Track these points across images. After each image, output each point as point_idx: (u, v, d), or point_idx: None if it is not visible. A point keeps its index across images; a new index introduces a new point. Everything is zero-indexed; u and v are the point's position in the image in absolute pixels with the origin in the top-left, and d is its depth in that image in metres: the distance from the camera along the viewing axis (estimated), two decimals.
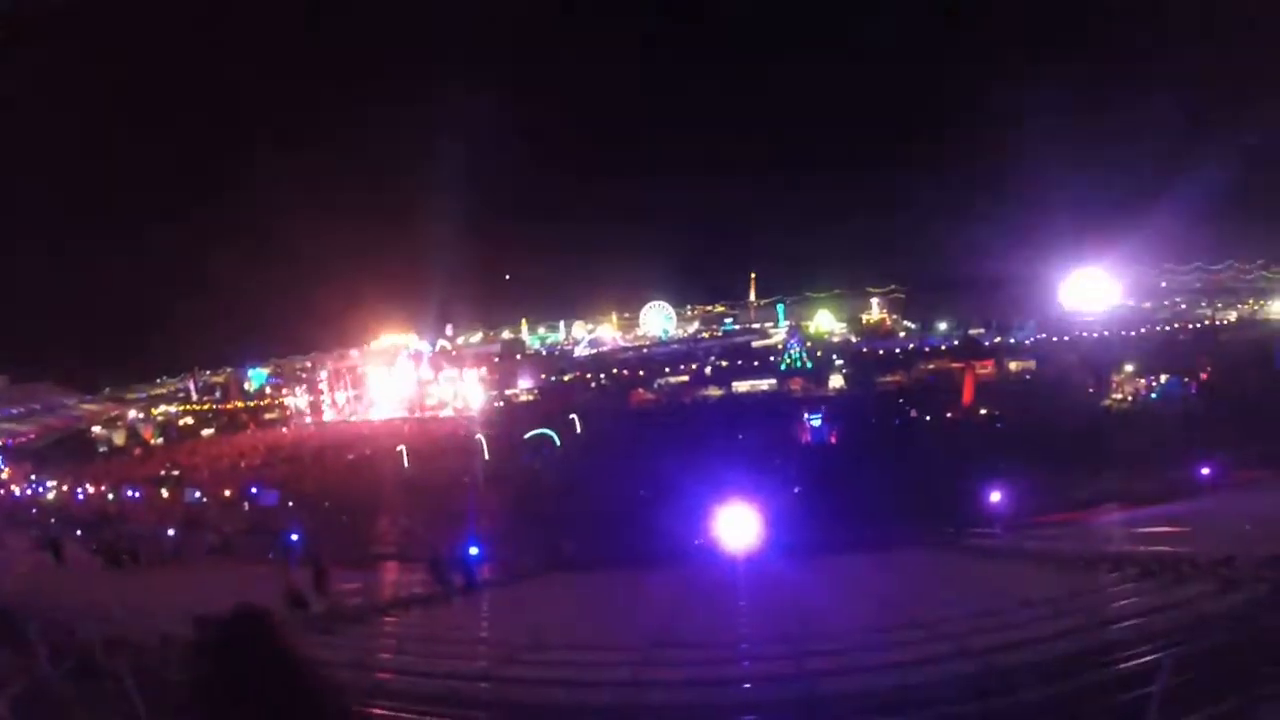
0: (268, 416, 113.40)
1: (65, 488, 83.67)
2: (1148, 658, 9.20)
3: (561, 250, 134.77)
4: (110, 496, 77.68)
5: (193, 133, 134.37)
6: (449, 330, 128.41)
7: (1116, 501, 37.80)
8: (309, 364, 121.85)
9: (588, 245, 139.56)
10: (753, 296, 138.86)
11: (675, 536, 38.79)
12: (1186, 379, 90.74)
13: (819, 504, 50.31)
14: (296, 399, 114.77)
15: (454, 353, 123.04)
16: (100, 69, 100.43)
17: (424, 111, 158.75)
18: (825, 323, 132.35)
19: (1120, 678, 8.78)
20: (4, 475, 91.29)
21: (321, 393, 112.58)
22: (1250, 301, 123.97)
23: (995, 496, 39.32)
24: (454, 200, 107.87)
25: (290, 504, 66.50)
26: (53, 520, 63.04)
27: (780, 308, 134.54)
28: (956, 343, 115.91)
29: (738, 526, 30.92)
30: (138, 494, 77.09)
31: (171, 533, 53.90)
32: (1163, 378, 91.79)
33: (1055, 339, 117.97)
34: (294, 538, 47.57)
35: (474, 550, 35.15)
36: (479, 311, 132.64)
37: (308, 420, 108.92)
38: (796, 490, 57.42)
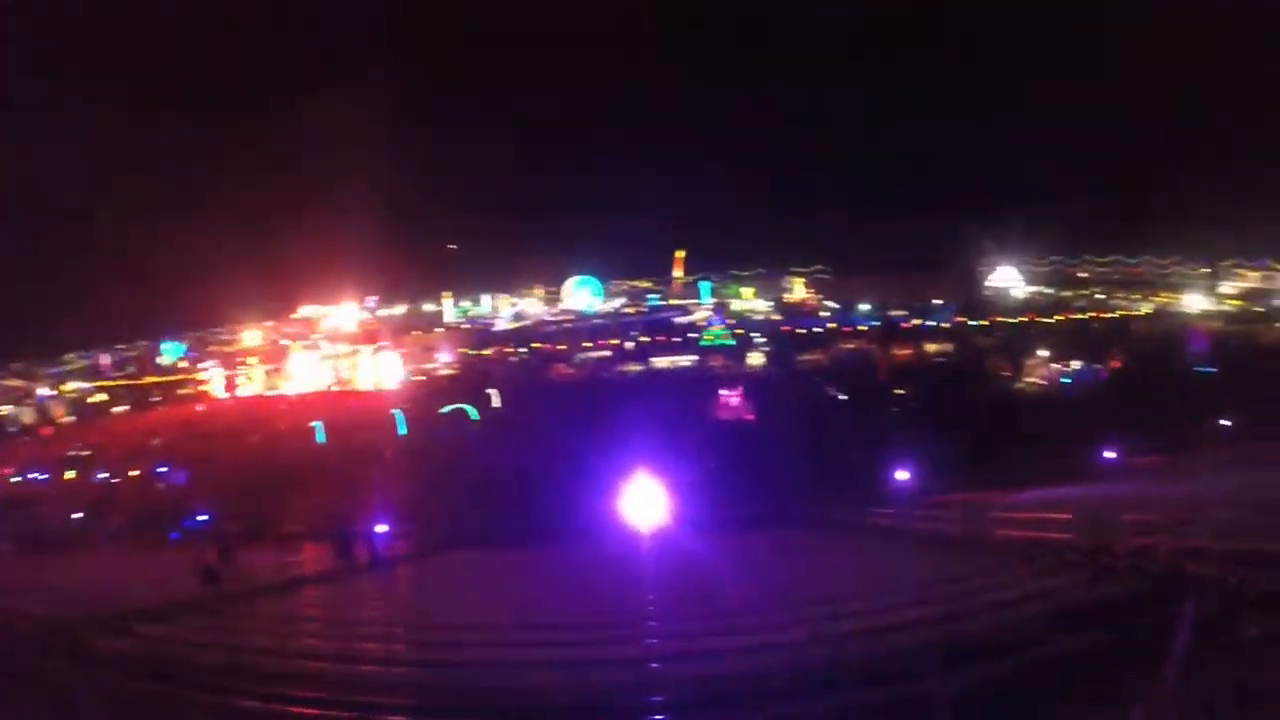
0: (182, 392, 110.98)
1: None
2: (987, 659, 9.33)
3: (487, 222, 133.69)
4: (19, 479, 76.04)
5: (104, 96, 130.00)
6: (371, 302, 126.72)
7: (1019, 483, 40.27)
8: (227, 337, 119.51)
9: (515, 218, 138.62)
10: (679, 274, 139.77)
11: (583, 513, 39.23)
12: (1098, 365, 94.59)
13: (727, 481, 51.57)
14: (213, 373, 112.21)
15: (376, 325, 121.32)
16: None
17: (344, 79, 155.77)
18: (749, 301, 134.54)
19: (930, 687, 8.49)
20: None
21: (239, 367, 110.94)
22: (1165, 294, 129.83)
23: (901, 475, 41.06)
24: (377, 170, 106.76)
25: (201, 482, 65.98)
26: None
27: (705, 285, 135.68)
28: (875, 324, 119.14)
29: (644, 503, 31.93)
30: (45, 475, 75.62)
31: (79, 515, 53.55)
32: (1075, 364, 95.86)
33: (973, 323, 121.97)
34: (202, 517, 47.85)
35: (382, 527, 36.06)
36: (402, 284, 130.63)
37: (223, 395, 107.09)
38: (706, 467, 58.59)
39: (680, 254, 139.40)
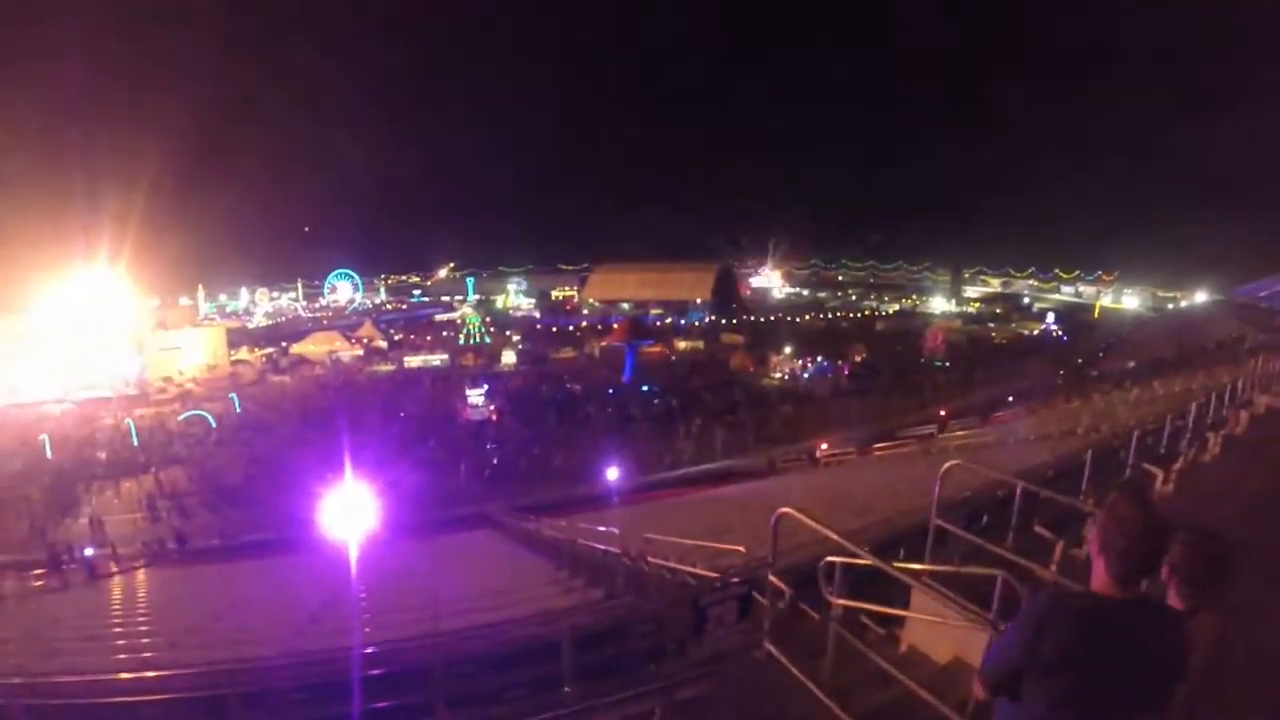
0: None
1: None
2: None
3: (248, 213, 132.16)
4: None
5: None
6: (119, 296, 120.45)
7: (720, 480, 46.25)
8: None
9: (279, 208, 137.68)
10: (443, 273, 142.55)
11: (294, 521, 38.29)
12: (840, 361, 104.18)
13: (444, 484, 54.34)
14: None
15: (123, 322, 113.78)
16: None
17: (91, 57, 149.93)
18: (514, 297, 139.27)
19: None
20: None
21: None
22: (914, 297, 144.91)
23: (611, 473, 45.18)
24: (135, 154, 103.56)
25: None
26: None
27: (470, 281, 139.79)
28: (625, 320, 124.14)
29: (348, 510, 35.24)
30: None
31: None
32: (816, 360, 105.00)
33: (725, 321, 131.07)
34: None
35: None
36: (157, 277, 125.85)
37: None
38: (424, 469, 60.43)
39: (451, 265, 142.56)
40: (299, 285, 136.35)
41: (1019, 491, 9.55)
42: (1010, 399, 69.53)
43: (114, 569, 35.30)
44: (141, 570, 35.80)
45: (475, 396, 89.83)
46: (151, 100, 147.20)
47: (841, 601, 7.16)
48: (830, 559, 7.24)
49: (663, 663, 9.23)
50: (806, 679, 6.37)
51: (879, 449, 51.95)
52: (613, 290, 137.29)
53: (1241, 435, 16.47)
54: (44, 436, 76.01)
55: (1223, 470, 13.24)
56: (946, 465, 8.58)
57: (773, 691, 6.61)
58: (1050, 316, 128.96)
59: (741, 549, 13.05)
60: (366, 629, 14.55)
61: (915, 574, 7.02)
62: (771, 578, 7.22)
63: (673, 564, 14.54)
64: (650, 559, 15.29)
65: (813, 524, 6.42)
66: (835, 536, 6.29)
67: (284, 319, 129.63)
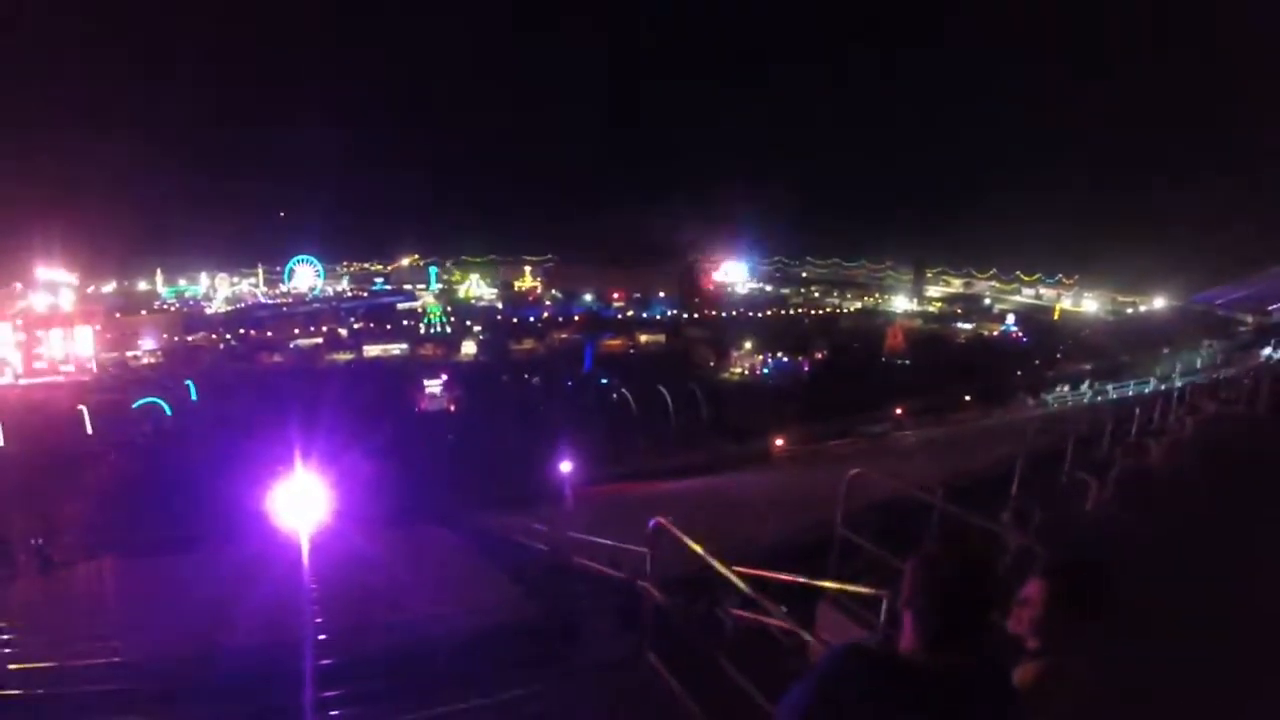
0: None
1: None
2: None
3: (210, 196, 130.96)
4: None
5: None
6: (72, 280, 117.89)
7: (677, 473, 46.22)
8: None
9: (240, 192, 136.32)
10: (405, 262, 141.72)
11: (244, 512, 41.31)
12: (800, 357, 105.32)
13: (398, 476, 54.35)
14: None
15: (79, 307, 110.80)
16: None
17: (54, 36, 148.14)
18: (476, 287, 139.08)
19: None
20: None
21: None
22: (876, 295, 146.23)
23: (565, 466, 45.59)
24: (93, 134, 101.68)
25: None
26: None
27: (433, 270, 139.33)
28: (585, 314, 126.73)
29: (302, 501, 35.48)
30: None
31: None
32: (776, 356, 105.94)
33: (688, 316, 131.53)
34: None
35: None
36: (114, 260, 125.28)
37: None
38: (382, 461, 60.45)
39: (417, 255, 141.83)
40: (259, 271, 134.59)
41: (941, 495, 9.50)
42: (967, 398, 70.88)
43: (59, 560, 35.68)
44: (92, 561, 36.27)
45: (433, 387, 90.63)
46: (116, 81, 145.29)
47: (738, 612, 7.51)
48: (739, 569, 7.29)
49: (539, 670, 9.14)
50: (687, 691, 6.00)
51: (834, 445, 52.68)
52: (576, 282, 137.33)
53: (1187, 440, 16.36)
54: None
55: (1161, 477, 12.99)
56: (852, 472, 8.21)
57: (651, 704, 6.29)
58: (1010, 318, 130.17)
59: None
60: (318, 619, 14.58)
61: (811, 588, 7.19)
62: (647, 586, 6.68)
63: (599, 565, 14.78)
64: (578, 559, 15.73)
65: (683, 537, 6.06)
66: (700, 551, 5.85)
67: (242, 304, 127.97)
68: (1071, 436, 14.87)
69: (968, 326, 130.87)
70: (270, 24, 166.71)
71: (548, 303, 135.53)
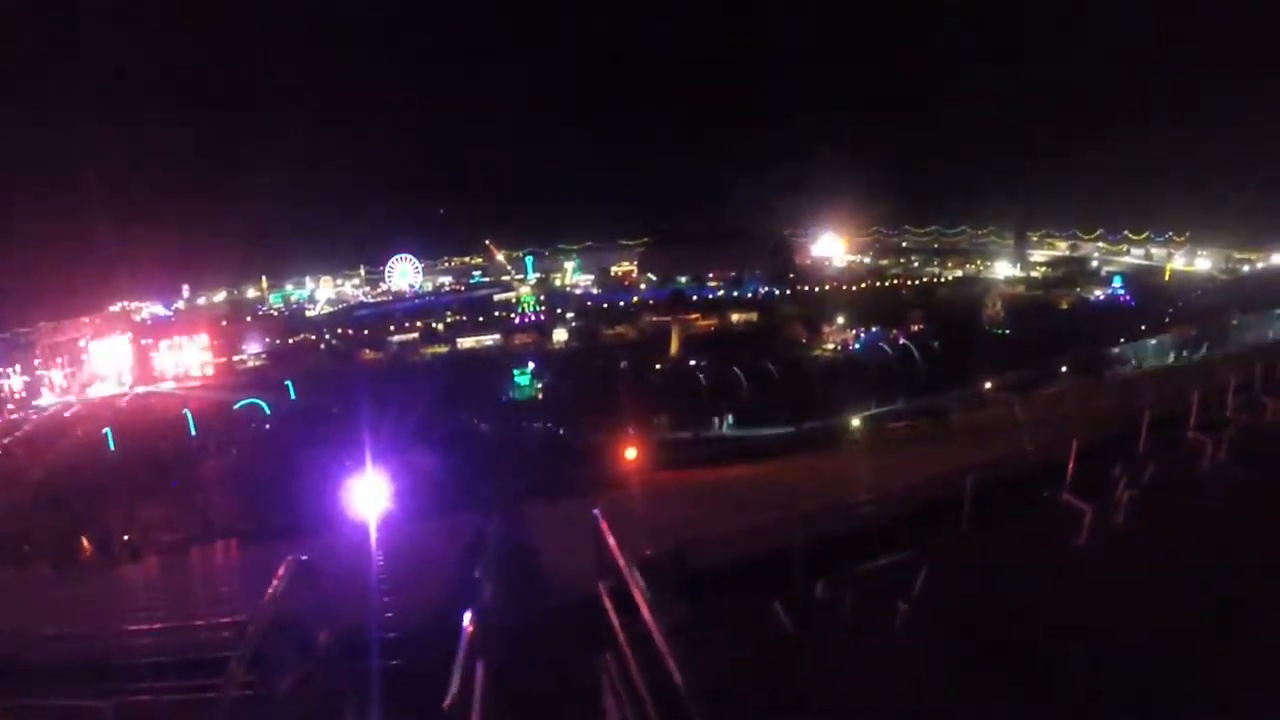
0: None
1: None
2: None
3: (310, 203, 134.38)
4: None
5: None
6: (185, 292, 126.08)
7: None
8: (33, 337, 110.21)
9: (340, 197, 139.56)
10: (500, 256, 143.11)
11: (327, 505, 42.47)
12: (894, 330, 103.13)
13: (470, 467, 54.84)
14: (7, 379, 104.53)
15: (188, 317, 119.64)
16: None
17: (151, 59, 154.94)
18: (572, 275, 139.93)
19: None
20: None
21: (37, 370, 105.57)
22: (978, 262, 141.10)
23: (630, 454, 45.12)
24: (189, 154, 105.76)
25: None
26: None
27: (529, 260, 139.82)
28: (671, 295, 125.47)
29: (372, 492, 36.34)
30: None
31: None
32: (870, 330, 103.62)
33: (782, 292, 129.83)
34: None
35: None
36: (222, 271, 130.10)
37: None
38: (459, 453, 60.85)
39: (506, 249, 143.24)
40: (361, 271, 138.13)
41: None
42: (1063, 370, 67.79)
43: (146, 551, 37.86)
44: (180, 551, 38.23)
45: (522, 376, 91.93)
46: (214, 95, 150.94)
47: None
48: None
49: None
50: None
51: (897, 428, 51.86)
52: (671, 264, 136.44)
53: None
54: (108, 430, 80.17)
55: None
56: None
57: None
58: (1117, 280, 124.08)
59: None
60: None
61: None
62: (602, 590, 6.10)
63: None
64: None
65: (610, 541, 5.78)
66: (620, 561, 5.52)
67: (344, 305, 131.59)
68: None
69: (1073, 291, 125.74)
70: (359, 28, 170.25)
71: (643, 286, 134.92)
